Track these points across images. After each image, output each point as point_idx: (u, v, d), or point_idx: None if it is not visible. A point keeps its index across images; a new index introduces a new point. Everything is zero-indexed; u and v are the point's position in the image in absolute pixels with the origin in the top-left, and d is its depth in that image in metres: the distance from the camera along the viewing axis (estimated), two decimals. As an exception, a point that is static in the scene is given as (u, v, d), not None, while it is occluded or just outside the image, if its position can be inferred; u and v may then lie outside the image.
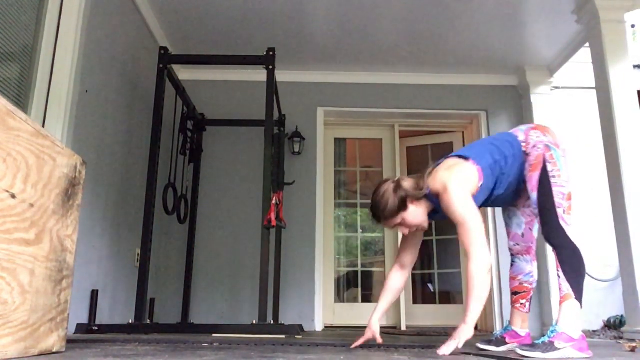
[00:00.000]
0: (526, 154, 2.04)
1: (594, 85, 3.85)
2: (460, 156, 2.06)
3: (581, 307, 1.82)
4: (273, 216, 3.23)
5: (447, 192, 1.94)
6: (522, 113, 4.96)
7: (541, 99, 4.81)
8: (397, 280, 2.23)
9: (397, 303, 4.87)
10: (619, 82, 3.59)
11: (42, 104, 2.79)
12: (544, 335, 1.79)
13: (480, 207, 2.12)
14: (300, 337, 2.92)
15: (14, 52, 2.64)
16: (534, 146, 2.02)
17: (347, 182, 5.49)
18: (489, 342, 2.17)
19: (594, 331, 4.37)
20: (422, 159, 5.53)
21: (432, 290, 5.38)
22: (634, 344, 2.20)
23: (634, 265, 3.32)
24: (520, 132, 2.11)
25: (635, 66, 4.70)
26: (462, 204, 1.92)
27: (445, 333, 4.00)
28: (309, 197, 4.74)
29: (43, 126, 2.65)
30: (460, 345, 1.77)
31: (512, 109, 5.01)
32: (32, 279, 1.41)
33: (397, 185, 2.02)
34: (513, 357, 1.71)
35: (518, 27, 4.26)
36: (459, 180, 1.96)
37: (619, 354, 1.98)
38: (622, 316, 4.31)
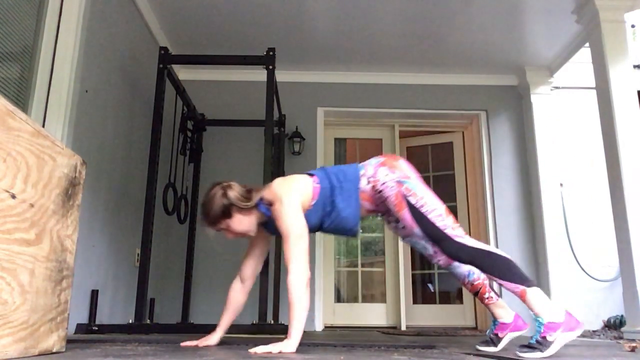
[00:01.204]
0: (376, 191, 2.00)
1: (594, 85, 3.85)
2: (308, 174, 2.08)
3: (536, 285, 1.80)
4: (273, 216, 3.22)
5: (279, 202, 1.94)
6: (522, 113, 4.96)
7: (541, 99, 4.81)
8: (236, 295, 2.16)
9: (397, 303, 4.87)
10: (619, 82, 3.59)
11: (42, 104, 2.79)
12: (535, 332, 1.77)
13: (316, 231, 2.10)
14: (300, 337, 2.91)
15: (14, 52, 2.64)
16: (384, 184, 1.97)
17: (347, 182, 5.47)
18: (486, 343, 2.17)
19: (594, 331, 4.36)
20: (422, 159, 5.53)
21: (432, 290, 5.38)
22: (634, 344, 2.20)
23: (634, 265, 3.32)
24: (370, 166, 2.05)
25: (635, 66, 4.71)
26: (290, 217, 1.91)
27: (445, 333, 4.00)
28: (309, 197, 4.74)
29: (43, 126, 2.65)
30: (275, 351, 1.72)
31: (512, 109, 5.01)
32: (32, 279, 1.41)
33: (224, 193, 2.01)
34: (513, 358, 1.71)
35: (518, 27, 4.26)
36: (292, 193, 1.96)
37: (619, 354, 1.98)
38: (622, 316, 4.31)
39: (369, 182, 2.01)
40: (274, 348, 1.74)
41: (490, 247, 1.91)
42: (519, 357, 1.71)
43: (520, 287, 1.79)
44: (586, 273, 4.60)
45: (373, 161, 2.07)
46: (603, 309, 4.53)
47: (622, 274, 3.49)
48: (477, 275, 2.16)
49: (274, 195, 1.98)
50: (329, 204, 2.02)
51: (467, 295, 5.04)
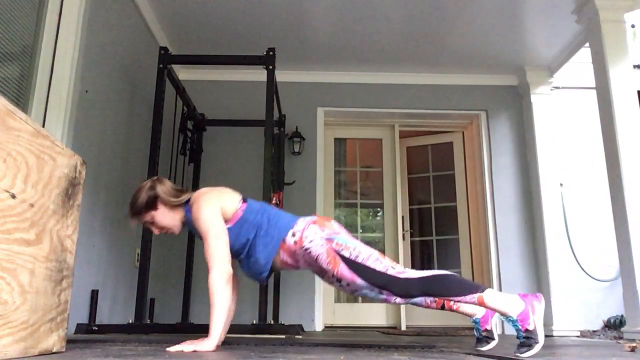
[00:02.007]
0: (304, 249, 1.95)
1: (594, 85, 3.85)
2: (243, 198, 2.06)
3: (487, 287, 1.81)
4: (273, 216, 3.22)
5: (197, 203, 1.96)
6: (522, 113, 4.96)
7: (541, 99, 4.81)
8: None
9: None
10: (619, 82, 3.59)
11: (42, 104, 2.79)
12: (516, 332, 1.78)
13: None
14: (300, 337, 2.91)
15: (14, 52, 2.64)
16: (312, 241, 1.93)
17: (347, 182, 5.49)
18: (482, 342, 2.19)
19: (594, 331, 4.37)
20: (422, 159, 5.54)
21: (432, 290, 5.37)
22: (634, 344, 2.20)
23: (634, 265, 3.32)
24: (302, 221, 2.03)
25: (635, 66, 4.71)
26: (207, 217, 1.92)
27: (445, 333, 4.00)
28: (309, 197, 4.74)
29: (43, 126, 2.65)
30: (187, 350, 1.72)
31: (512, 109, 5.01)
32: (32, 279, 1.41)
33: (153, 185, 2.05)
34: (513, 358, 1.71)
35: (518, 27, 4.26)
36: (212, 198, 1.97)
37: (619, 354, 1.98)
38: (622, 316, 4.31)
39: (293, 235, 1.97)
40: (188, 347, 1.74)
41: (433, 271, 1.87)
42: (520, 358, 1.71)
43: (476, 295, 1.79)
44: (586, 273, 4.60)
45: (307, 218, 2.05)
46: (603, 309, 4.53)
47: (622, 274, 3.49)
48: None
49: (196, 197, 2.00)
50: (245, 238, 1.99)
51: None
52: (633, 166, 3.47)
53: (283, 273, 4.34)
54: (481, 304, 1.79)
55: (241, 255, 2.04)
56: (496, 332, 2.19)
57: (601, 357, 1.82)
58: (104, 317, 3.32)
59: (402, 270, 1.87)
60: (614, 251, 3.59)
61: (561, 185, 4.72)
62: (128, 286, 3.67)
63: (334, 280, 1.97)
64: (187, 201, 2.06)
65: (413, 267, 5.33)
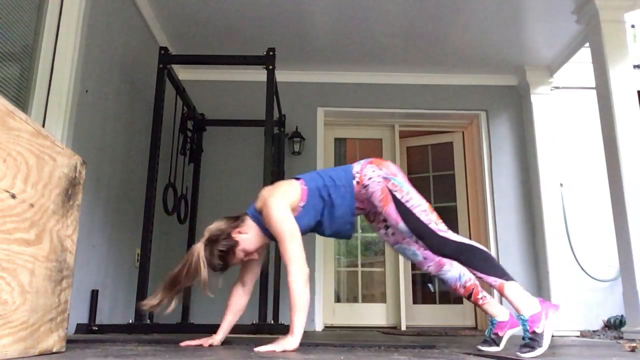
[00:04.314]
0: (363, 186, 2.05)
1: (594, 85, 3.85)
2: (295, 178, 2.12)
3: (513, 279, 1.84)
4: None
5: (266, 206, 1.97)
6: (522, 113, 4.96)
7: (541, 99, 4.81)
8: (237, 299, 2.16)
9: (397, 303, 4.87)
10: (619, 82, 3.59)
11: (42, 104, 2.79)
12: (523, 331, 1.79)
13: (313, 231, 2.14)
14: (300, 337, 2.91)
15: (14, 52, 2.64)
16: (370, 178, 2.03)
17: (347, 182, 5.48)
18: (487, 343, 2.17)
19: (594, 331, 4.37)
20: (422, 159, 5.53)
21: (432, 290, 5.38)
22: (634, 344, 2.20)
23: (634, 265, 3.32)
24: (357, 164, 2.13)
25: (635, 66, 4.71)
26: (280, 218, 1.93)
27: (445, 333, 4.00)
28: (309, 197, 4.73)
29: (43, 126, 2.65)
30: (278, 350, 1.74)
31: (512, 109, 5.01)
32: (32, 279, 1.41)
33: (211, 249, 1.98)
34: (513, 358, 1.71)
35: (518, 27, 4.26)
36: (278, 196, 1.99)
37: (619, 354, 1.98)
38: (622, 316, 4.31)
39: (354, 178, 2.07)
40: (277, 347, 1.76)
41: (472, 242, 1.95)
42: (521, 358, 1.71)
43: (499, 281, 1.84)
44: (586, 273, 4.60)
45: (362, 161, 2.14)
46: (603, 309, 4.53)
47: (622, 274, 3.49)
48: (468, 277, 2.17)
49: (262, 201, 2.02)
50: (320, 203, 2.06)
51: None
52: (633, 166, 3.47)
53: (283, 273, 4.34)
54: (500, 290, 1.83)
55: (322, 218, 2.08)
56: (504, 343, 2.15)
57: (601, 357, 1.82)
58: (104, 317, 3.32)
59: (445, 229, 1.94)
60: (614, 251, 3.59)
61: (561, 185, 4.72)
62: (128, 286, 3.67)
63: (381, 222, 2.10)
64: (247, 213, 2.07)
65: (413, 267, 5.32)
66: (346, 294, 5.28)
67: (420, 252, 2.18)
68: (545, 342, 1.73)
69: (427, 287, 5.45)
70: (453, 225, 5.20)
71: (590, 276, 4.59)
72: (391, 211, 1.98)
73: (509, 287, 1.82)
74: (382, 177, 2.02)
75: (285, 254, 1.90)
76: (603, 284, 4.59)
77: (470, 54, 4.67)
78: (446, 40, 4.45)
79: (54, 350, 1.55)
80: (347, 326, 4.87)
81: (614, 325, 4.38)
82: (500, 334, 2.16)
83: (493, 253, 4.68)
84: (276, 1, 3.93)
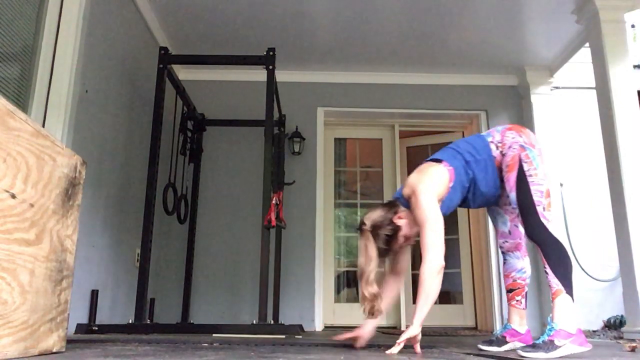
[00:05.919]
0: (502, 154, 2.08)
1: (594, 85, 3.85)
2: (434, 160, 2.14)
3: (573, 300, 1.85)
4: (273, 216, 3.23)
5: (415, 194, 2.00)
6: (522, 113, 4.96)
7: (541, 99, 4.81)
8: (393, 287, 2.24)
9: (397, 303, 4.87)
10: (619, 82, 3.59)
11: (42, 104, 2.79)
12: (543, 334, 1.79)
13: (460, 207, 2.19)
14: (300, 337, 2.91)
15: (14, 52, 2.64)
16: (510, 147, 2.06)
17: (347, 182, 5.49)
18: (490, 343, 2.17)
19: (594, 331, 4.36)
20: (422, 159, 5.51)
21: (432, 290, 5.37)
22: (634, 344, 2.20)
23: (634, 265, 3.32)
24: (496, 132, 2.14)
25: (635, 66, 4.70)
26: (426, 206, 1.97)
27: (445, 333, 4.00)
28: (308, 197, 4.74)
29: (43, 126, 2.65)
30: (399, 341, 1.82)
31: (512, 109, 5.01)
32: (32, 279, 1.41)
33: (375, 232, 2.05)
34: (513, 358, 1.71)
35: (518, 27, 4.26)
36: (426, 183, 2.02)
37: (619, 354, 1.98)
38: (622, 316, 4.31)
39: (497, 148, 2.09)
40: (402, 339, 1.83)
41: (563, 245, 1.95)
42: (522, 356, 1.71)
43: (560, 286, 1.85)
44: (586, 273, 4.59)
45: (499, 127, 2.16)
46: (603, 309, 4.52)
47: (622, 274, 3.49)
48: (526, 275, 2.24)
49: (410, 188, 2.05)
50: (467, 180, 2.09)
51: (467, 295, 5.04)
52: (633, 166, 3.47)
53: (283, 273, 4.34)
54: (555, 295, 1.86)
55: (468, 193, 2.12)
56: (507, 348, 2.15)
57: (601, 357, 1.82)
58: (104, 317, 3.32)
59: (548, 218, 1.97)
60: (614, 251, 3.59)
61: (561, 185, 4.72)
62: (128, 286, 3.67)
63: (499, 188, 2.10)
64: (397, 199, 2.11)
65: (413, 267, 5.32)
66: (346, 294, 5.28)
67: (510, 225, 2.22)
68: (553, 354, 1.72)
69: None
70: (453, 224, 5.21)
71: (590, 276, 4.59)
72: (511, 178, 2.01)
73: (563, 298, 1.84)
74: (519, 145, 2.04)
75: (425, 241, 1.94)
76: (603, 284, 4.59)
77: (470, 54, 4.67)
78: (446, 40, 4.45)
79: (54, 350, 1.55)
80: (347, 326, 4.86)
81: (614, 325, 4.38)
82: (508, 339, 2.16)
83: (493, 253, 4.67)
84: (276, 1, 3.93)
